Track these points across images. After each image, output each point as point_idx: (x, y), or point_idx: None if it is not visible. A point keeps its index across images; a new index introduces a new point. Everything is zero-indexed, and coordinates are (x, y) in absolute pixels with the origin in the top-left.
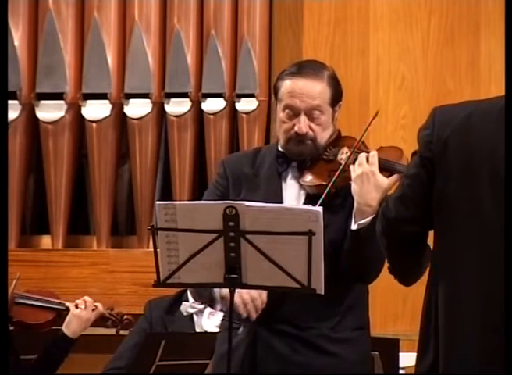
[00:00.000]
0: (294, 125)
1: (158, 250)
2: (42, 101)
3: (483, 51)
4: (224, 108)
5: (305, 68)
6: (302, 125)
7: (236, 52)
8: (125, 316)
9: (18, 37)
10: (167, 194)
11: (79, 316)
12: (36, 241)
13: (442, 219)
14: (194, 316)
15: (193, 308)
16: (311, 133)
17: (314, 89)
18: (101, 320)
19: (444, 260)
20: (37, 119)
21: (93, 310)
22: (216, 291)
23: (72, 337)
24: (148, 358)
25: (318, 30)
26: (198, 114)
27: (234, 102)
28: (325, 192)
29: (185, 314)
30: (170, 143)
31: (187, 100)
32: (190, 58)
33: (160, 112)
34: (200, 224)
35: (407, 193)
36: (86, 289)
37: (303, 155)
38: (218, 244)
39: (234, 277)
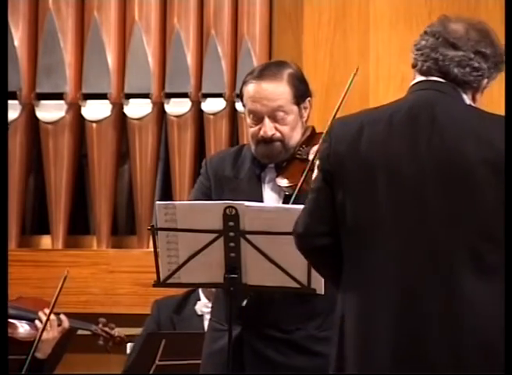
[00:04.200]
0: (260, 129)
1: (158, 250)
2: (42, 101)
3: None
4: (224, 109)
5: (265, 70)
6: (267, 128)
7: (236, 52)
8: (116, 334)
9: (18, 37)
10: (167, 194)
11: (47, 340)
12: (36, 241)
13: (346, 230)
14: (206, 316)
15: (208, 307)
16: (277, 134)
17: (274, 91)
18: (92, 337)
19: (350, 269)
20: (37, 119)
21: (59, 325)
22: None
23: (44, 358)
24: (148, 358)
25: (318, 30)
26: (198, 114)
27: (234, 102)
28: (296, 191)
29: (199, 313)
30: (170, 143)
31: (187, 100)
32: (190, 58)
33: (160, 112)
34: (200, 224)
35: (313, 207)
36: (86, 289)
37: (272, 157)
38: (218, 244)
39: (234, 277)
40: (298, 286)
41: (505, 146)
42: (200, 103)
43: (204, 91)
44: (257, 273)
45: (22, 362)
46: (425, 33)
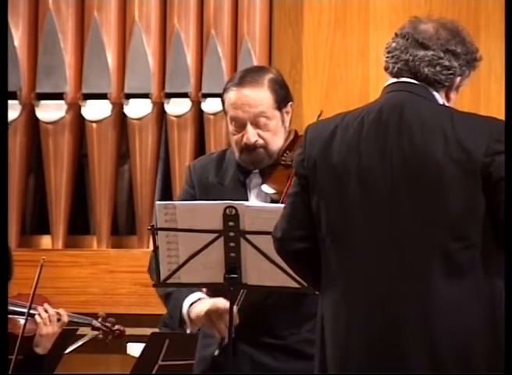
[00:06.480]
0: (243, 136)
1: (158, 249)
2: (42, 101)
3: (483, 51)
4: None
5: (245, 77)
6: (250, 135)
7: (236, 52)
8: (116, 326)
9: (18, 37)
10: (167, 194)
11: (46, 335)
12: (36, 241)
13: (321, 234)
14: None
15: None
16: (260, 141)
17: (256, 97)
18: (91, 330)
19: (327, 272)
20: (37, 119)
21: (58, 320)
22: (185, 312)
23: (44, 353)
24: (151, 358)
25: (318, 30)
26: (198, 114)
27: None
28: (282, 197)
29: None
30: (170, 143)
31: (187, 100)
32: (190, 58)
33: (160, 112)
34: (200, 224)
35: (290, 212)
36: (86, 289)
37: (256, 164)
38: (218, 244)
39: (234, 277)
40: (298, 286)
41: (505, 146)
42: (200, 103)
43: (204, 91)
44: (257, 273)
45: (22, 359)
46: (396, 35)
